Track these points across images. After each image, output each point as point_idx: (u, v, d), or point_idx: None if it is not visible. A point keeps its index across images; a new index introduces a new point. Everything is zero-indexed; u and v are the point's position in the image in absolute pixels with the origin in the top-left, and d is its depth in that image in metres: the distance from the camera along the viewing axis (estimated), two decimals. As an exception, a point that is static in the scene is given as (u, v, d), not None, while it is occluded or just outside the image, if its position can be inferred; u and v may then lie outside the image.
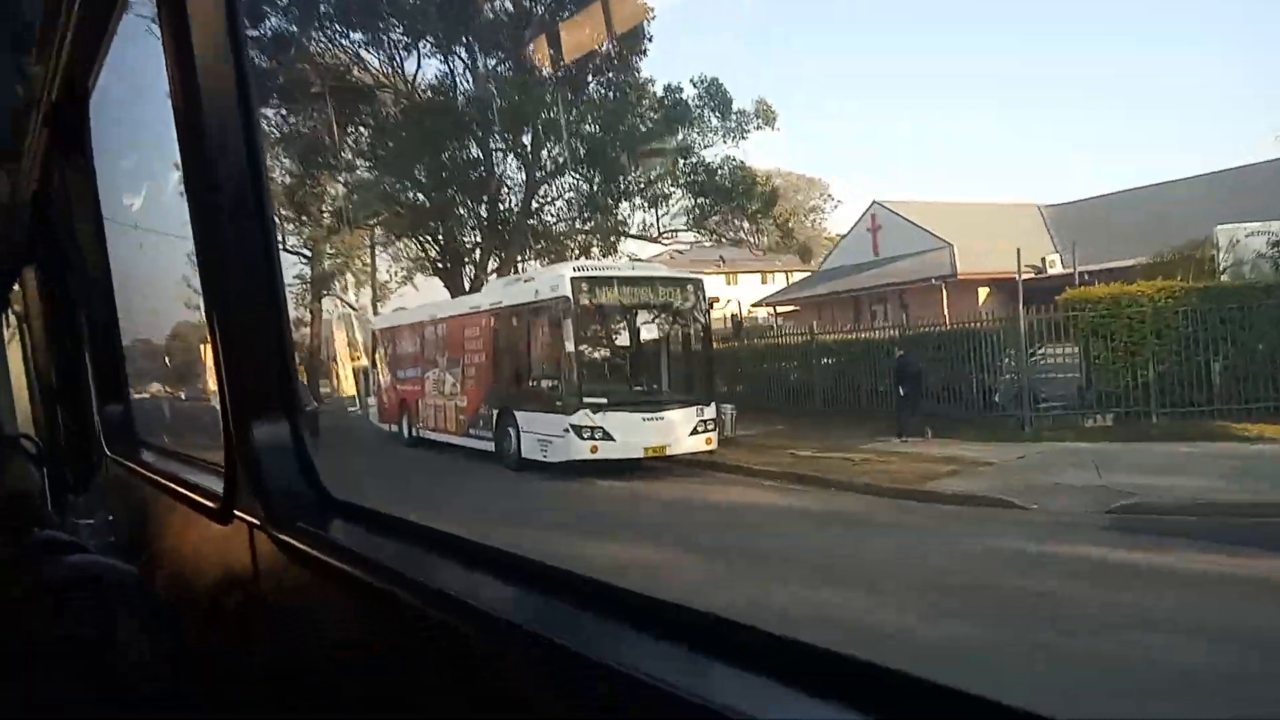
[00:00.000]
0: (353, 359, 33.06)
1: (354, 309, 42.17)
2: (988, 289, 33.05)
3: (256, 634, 2.28)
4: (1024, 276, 33.53)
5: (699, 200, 32.03)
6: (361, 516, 2.07)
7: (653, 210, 33.10)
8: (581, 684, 1.13)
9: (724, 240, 32.98)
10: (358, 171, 32.46)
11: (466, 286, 32.70)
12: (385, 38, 30.59)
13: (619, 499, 14.71)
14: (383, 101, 31.65)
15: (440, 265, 34.16)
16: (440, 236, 32.84)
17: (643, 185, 32.07)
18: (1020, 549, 10.18)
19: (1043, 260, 33.26)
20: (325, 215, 33.14)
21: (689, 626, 1.13)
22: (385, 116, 31.77)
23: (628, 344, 16.72)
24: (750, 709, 0.94)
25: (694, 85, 30.97)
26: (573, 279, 15.73)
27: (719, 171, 31.24)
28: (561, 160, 32.28)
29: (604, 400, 15.63)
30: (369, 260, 39.58)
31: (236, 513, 2.25)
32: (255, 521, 2.11)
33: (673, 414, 16.09)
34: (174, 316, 11.22)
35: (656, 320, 16.33)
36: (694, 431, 16.17)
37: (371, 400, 24.78)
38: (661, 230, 32.75)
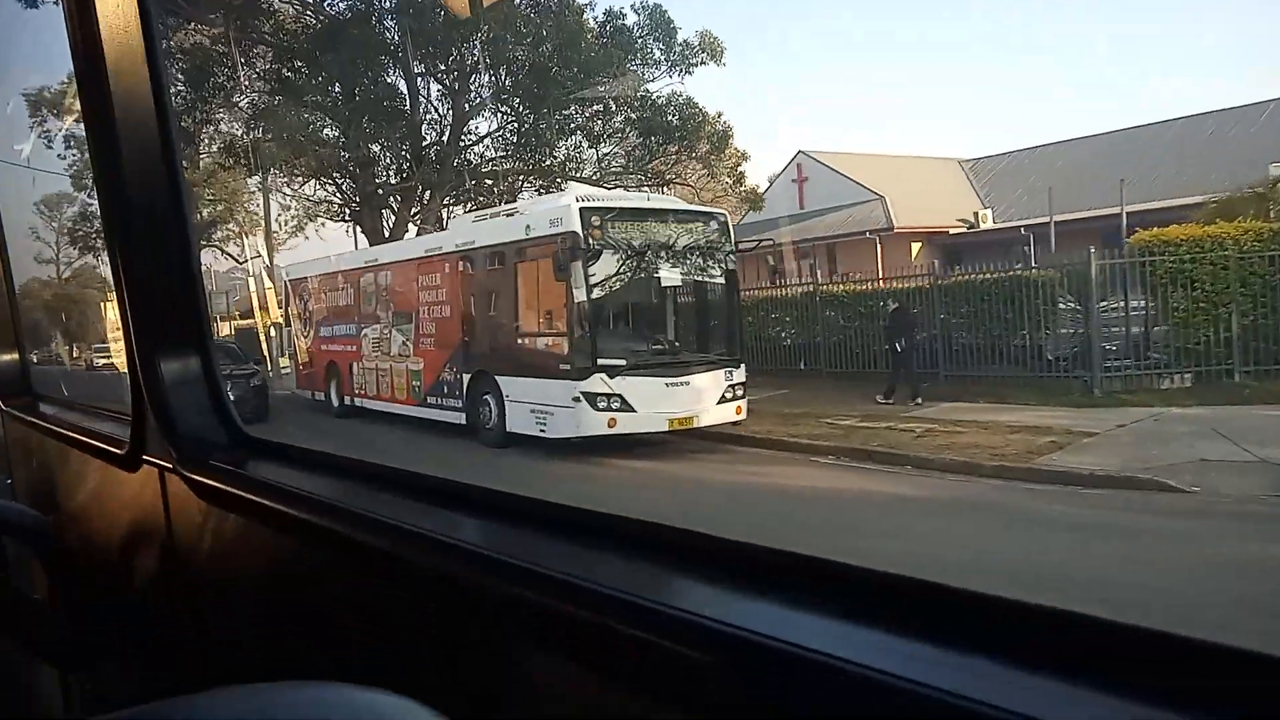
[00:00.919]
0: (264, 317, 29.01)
1: (236, 260, 37.75)
2: (920, 243, 31.88)
3: (173, 579, 2.13)
4: (955, 230, 32.65)
5: (648, 139, 28.76)
6: (277, 452, 2.03)
7: (593, 149, 29.92)
8: (533, 600, 1.06)
9: (670, 184, 29.95)
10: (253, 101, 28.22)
11: (385, 233, 29.05)
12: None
13: (655, 485, 11.39)
14: (286, 17, 27.49)
15: (351, 209, 30.20)
16: (355, 177, 28.85)
17: (585, 120, 28.75)
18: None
19: (975, 215, 32.23)
20: (204, 154, 28.69)
21: (656, 542, 1.10)
22: (291, 35, 27.62)
23: (647, 292, 13.39)
24: (713, 613, 0.89)
25: (635, 12, 27.82)
26: (582, 210, 12.34)
27: (666, 108, 28.11)
28: (494, 90, 28.80)
29: (622, 362, 12.35)
30: (259, 205, 35.16)
31: (146, 458, 2.16)
32: (167, 465, 2.04)
33: (700, 378, 12.89)
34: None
35: (679, 263, 13.10)
36: (723, 399, 13.03)
37: (286, 363, 20.78)
38: (604, 171, 29.37)
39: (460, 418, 14.49)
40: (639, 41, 27.86)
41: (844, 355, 19.25)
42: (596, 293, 12.27)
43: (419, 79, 27.84)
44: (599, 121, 28.72)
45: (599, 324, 12.43)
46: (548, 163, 29.16)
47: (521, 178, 28.93)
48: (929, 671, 0.72)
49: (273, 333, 25.16)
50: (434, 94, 28.83)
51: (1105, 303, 16.11)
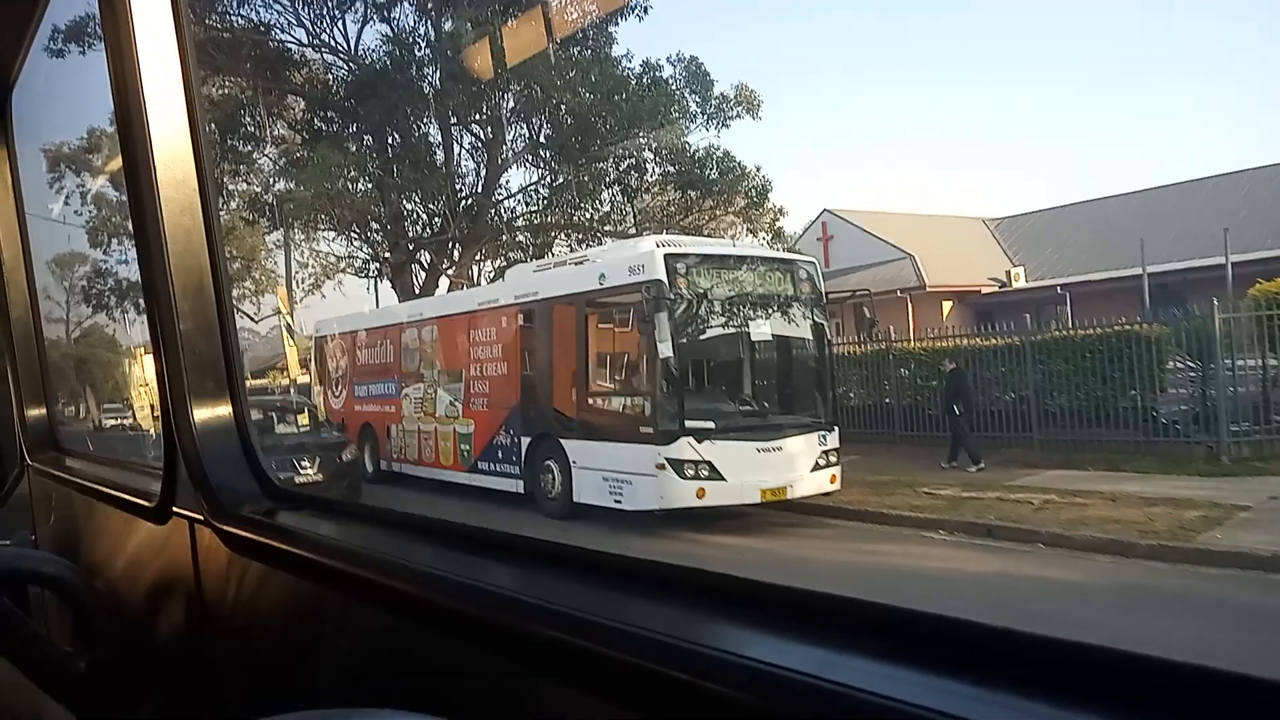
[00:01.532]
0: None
1: (251, 319, 36.40)
2: (951, 302, 30.92)
3: (201, 629, 2.10)
4: (987, 290, 31.52)
5: (685, 193, 27.57)
6: (307, 503, 2.04)
7: (629, 204, 28.75)
8: (566, 641, 1.05)
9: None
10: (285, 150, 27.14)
11: (415, 289, 27.77)
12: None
13: (759, 566, 9.84)
14: (318, 66, 26.54)
15: (380, 264, 28.94)
16: (386, 231, 27.63)
17: (620, 174, 27.59)
18: None
19: (1007, 274, 31.22)
20: (223, 209, 27.52)
21: (689, 585, 1.10)
22: (323, 85, 26.65)
23: (734, 347, 11.98)
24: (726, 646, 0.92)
25: (671, 64, 26.78)
26: (667, 257, 11.00)
27: (705, 161, 26.97)
28: (529, 142, 27.70)
29: (710, 424, 10.90)
30: (275, 262, 33.88)
31: (176, 509, 2.16)
32: (197, 516, 2.04)
33: (793, 442, 11.44)
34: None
35: (768, 314, 11.70)
36: (816, 466, 11.57)
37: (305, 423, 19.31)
38: (640, 226, 28.12)
39: (517, 485, 13.03)
40: (676, 94, 26.71)
41: (918, 418, 17.76)
42: (682, 347, 10.86)
43: (453, 129, 26.78)
44: (634, 175, 27.57)
45: (685, 382, 10.97)
46: (581, 217, 28.05)
47: (557, 233, 27.72)
48: (971, 708, 0.72)
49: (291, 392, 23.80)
50: (467, 146, 27.79)
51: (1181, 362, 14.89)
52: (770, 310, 11.70)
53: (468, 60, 24.31)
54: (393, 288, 27.44)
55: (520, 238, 28.13)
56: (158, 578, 2.41)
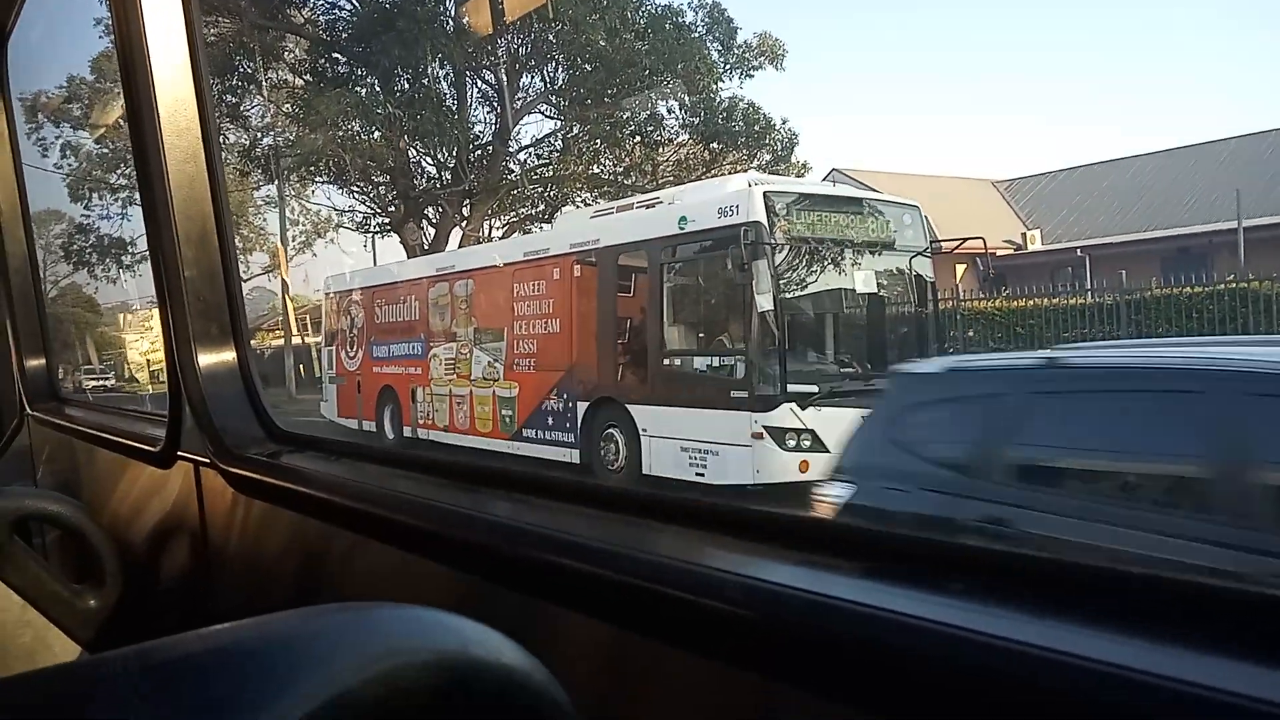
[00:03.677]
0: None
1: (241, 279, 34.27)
2: (965, 265, 29.62)
3: (208, 569, 2.10)
4: (1002, 252, 30.11)
5: (709, 145, 25.77)
6: (312, 445, 2.01)
7: (649, 157, 26.89)
8: (568, 566, 1.05)
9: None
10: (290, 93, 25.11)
11: (425, 245, 25.91)
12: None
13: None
14: (322, 5, 24.47)
15: (385, 218, 27.04)
16: (394, 182, 25.70)
17: (642, 124, 25.70)
18: None
19: (1023, 236, 29.75)
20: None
21: (686, 512, 1.11)
22: (328, 26, 24.59)
23: (836, 301, 10.18)
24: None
25: (693, 10, 24.90)
26: (767, 195, 9.24)
27: (732, 112, 25.17)
28: (545, 90, 25.80)
29: (814, 388, 9.19)
30: (265, 218, 31.80)
31: (181, 453, 2.16)
32: (202, 459, 2.03)
33: None
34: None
35: (872, 264, 10.02)
36: None
37: (330, 387, 17.44)
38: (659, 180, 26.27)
39: (571, 454, 11.29)
40: (698, 40, 24.81)
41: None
42: (784, 300, 9.14)
43: (467, 74, 24.80)
44: (654, 127, 25.70)
45: (787, 340, 9.25)
46: (602, 169, 26.24)
47: (574, 185, 25.86)
48: (953, 615, 0.73)
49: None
50: (481, 91, 25.86)
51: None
52: (874, 259, 9.96)
53: (482, 2, 22.47)
54: (400, 243, 25.68)
55: (537, 190, 26.30)
56: (163, 520, 2.40)
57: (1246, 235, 19.99)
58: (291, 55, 24.87)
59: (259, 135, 24.82)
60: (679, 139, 26.27)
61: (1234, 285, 14.18)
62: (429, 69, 23.75)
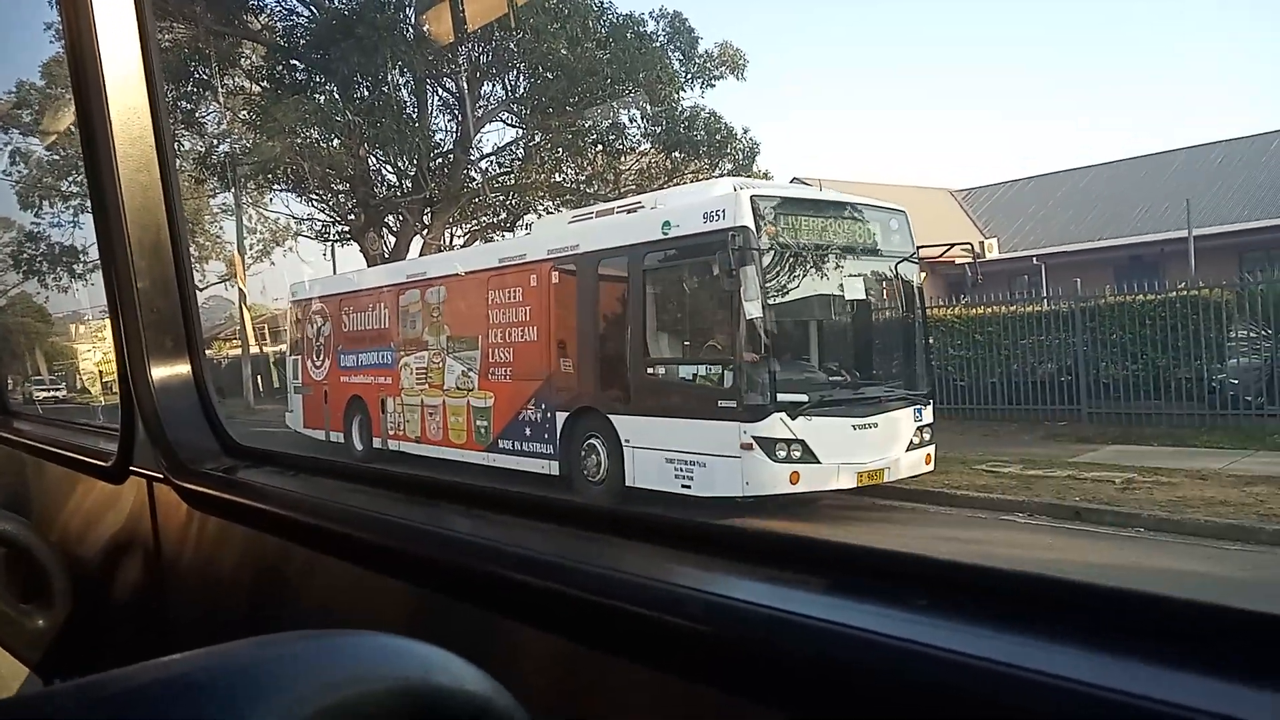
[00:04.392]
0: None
1: (197, 288, 33.37)
2: (925, 272, 29.70)
3: (161, 586, 2.04)
4: (960, 260, 30.25)
5: (670, 155, 25.53)
6: (267, 459, 1.94)
7: (612, 166, 26.58)
8: (527, 582, 1.04)
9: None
10: (246, 100, 24.41)
11: (385, 253, 25.35)
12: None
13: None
14: (281, 11, 23.82)
15: (344, 227, 26.42)
16: (353, 190, 25.09)
17: (604, 133, 25.38)
18: None
19: (980, 245, 29.89)
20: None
21: (648, 528, 1.10)
22: (286, 32, 23.94)
23: (824, 307, 9.86)
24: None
25: (654, 19, 24.68)
26: (755, 199, 8.91)
27: (693, 121, 24.96)
28: (506, 99, 25.38)
29: (803, 397, 8.89)
30: (222, 226, 30.95)
31: (133, 468, 2.10)
32: (156, 474, 1.98)
33: (889, 418, 9.48)
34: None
35: (859, 270, 9.74)
36: (911, 445, 9.68)
37: (296, 397, 16.82)
38: (622, 188, 25.96)
39: (549, 466, 10.91)
40: (659, 50, 24.56)
41: (951, 390, 16.03)
42: (772, 307, 8.85)
43: (427, 82, 24.33)
44: (616, 136, 25.41)
45: (775, 348, 8.95)
46: (565, 178, 25.89)
47: (536, 194, 25.45)
48: (915, 630, 0.72)
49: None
50: (442, 100, 25.40)
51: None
52: (862, 265, 9.71)
53: (443, 10, 22.03)
54: (360, 251, 25.09)
55: (499, 198, 25.89)
56: (115, 536, 2.31)
57: (1196, 244, 20.22)
58: (249, 61, 24.18)
59: (215, 142, 24.12)
60: (641, 147, 26.07)
61: (1185, 293, 14.26)
62: (389, 76, 23.25)
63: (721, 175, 24.30)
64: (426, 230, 25.53)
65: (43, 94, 19.10)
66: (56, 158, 20.80)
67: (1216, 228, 21.63)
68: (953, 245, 10.51)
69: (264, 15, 24.08)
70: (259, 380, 25.44)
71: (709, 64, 25.31)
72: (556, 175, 26.13)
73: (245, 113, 24.13)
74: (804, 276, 9.23)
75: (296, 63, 23.98)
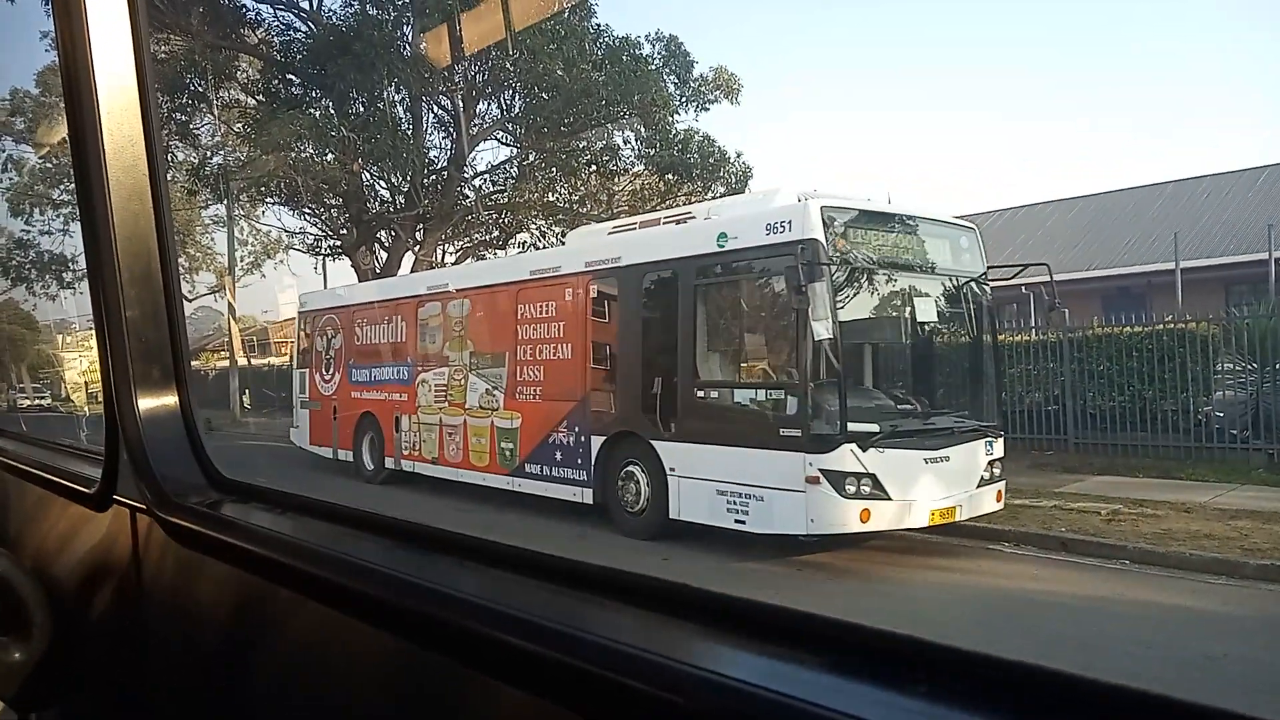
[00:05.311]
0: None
1: (186, 299, 32.18)
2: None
3: (140, 620, 1.96)
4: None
5: (664, 177, 24.87)
6: (254, 495, 1.87)
7: (604, 186, 25.89)
8: (511, 643, 0.99)
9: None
10: (242, 112, 23.37)
11: (377, 268, 24.38)
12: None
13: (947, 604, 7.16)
14: (278, 26, 22.82)
15: (337, 241, 25.42)
16: (347, 205, 24.13)
17: (598, 154, 24.68)
18: None
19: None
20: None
21: (641, 592, 1.03)
22: (283, 47, 22.93)
23: (895, 329, 8.98)
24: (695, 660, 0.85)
25: (650, 42, 24.06)
26: (825, 210, 8.05)
27: (687, 144, 24.33)
28: (500, 118, 24.57)
29: (874, 428, 8.06)
30: (213, 237, 29.81)
31: (117, 497, 2.02)
32: (139, 505, 1.90)
33: (961, 451, 8.62)
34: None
35: (931, 290, 8.89)
36: (982, 480, 8.82)
37: (303, 412, 15.69)
38: (614, 209, 25.25)
39: (582, 494, 10.00)
40: (655, 73, 23.94)
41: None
42: (842, 327, 8.02)
43: (423, 100, 23.49)
44: (610, 157, 24.75)
45: (843, 373, 8.09)
46: (558, 198, 25.12)
47: (530, 213, 24.63)
48: (888, 716, 0.70)
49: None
50: (437, 118, 24.58)
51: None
52: (933, 284, 8.91)
53: (441, 31, 21.27)
54: (352, 266, 24.09)
55: (492, 217, 25.08)
56: (96, 567, 2.22)
57: (1184, 276, 19.86)
58: (244, 75, 23.18)
59: (209, 154, 23.06)
60: (635, 169, 25.44)
61: (1172, 325, 13.91)
62: (385, 93, 22.43)
63: (715, 198, 23.67)
64: (419, 247, 24.71)
65: (37, 103, 18.06)
66: (49, 166, 19.74)
67: (1203, 260, 21.30)
68: (1025, 266, 9.72)
69: (261, 30, 23.13)
70: (246, 394, 24.25)
71: (704, 88, 24.86)
72: (550, 195, 25.42)
73: (240, 125, 23.10)
74: (873, 295, 8.44)
75: (292, 77, 23.08)
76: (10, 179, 22.13)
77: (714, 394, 8.89)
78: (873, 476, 7.88)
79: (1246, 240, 21.34)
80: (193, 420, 1.94)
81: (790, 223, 8.07)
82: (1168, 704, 0.63)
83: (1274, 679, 5.17)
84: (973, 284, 9.17)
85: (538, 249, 23.79)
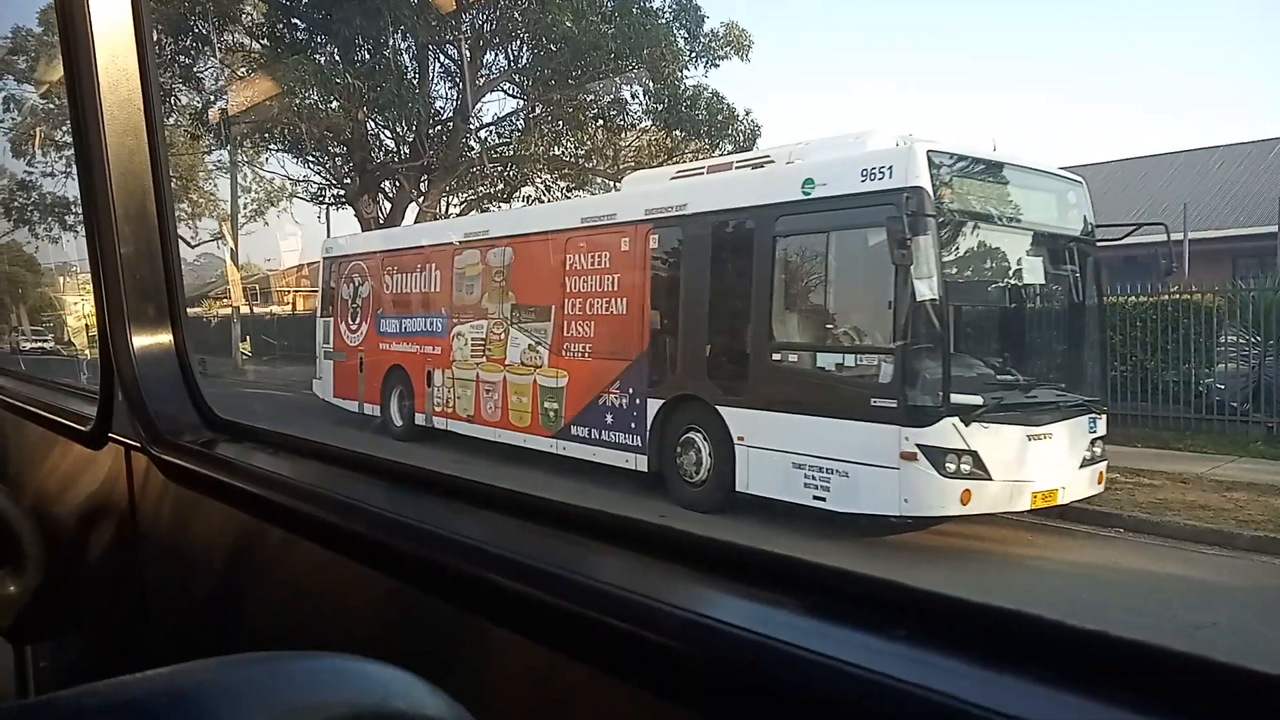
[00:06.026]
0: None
1: (188, 244, 30.82)
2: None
3: (135, 556, 1.91)
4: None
5: (671, 133, 23.98)
6: (248, 435, 1.82)
7: (610, 140, 24.92)
8: (508, 586, 0.96)
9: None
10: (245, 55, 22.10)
11: (380, 218, 23.34)
12: None
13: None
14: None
15: (340, 190, 24.35)
16: (351, 154, 23.05)
17: (605, 108, 23.69)
18: None
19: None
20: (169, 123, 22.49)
21: (638, 536, 1.01)
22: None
23: (999, 293, 8.08)
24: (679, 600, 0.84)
25: (658, -6, 22.99)
26: (931, 154, 7.15)
27: (695, 100, 23.39)
28: (507, 69, 23.49)
29: (977, 400, 7.24)
30: (216, 183, 28.57)
31: (112, 435, 1.97)
32: (134, 443, 1.86)
33: (1064, 427, 7.71)
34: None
35: (1040, 251, 7.94)
36: (1084, 461, 7.93)
37: (326, 363, 14.73)
38: (620, 165, 24.31)
39: (636, 461, 9.19)
40: (665, 27, 22.96)
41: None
42: (950, 287, 7.19)
43: (429, 49, 22.38)
44: (617, 111, 23.78)
45: (949, 339, 7.28)
46: (565, 151, 24.12)
47: (534, 166, 23.62)
48: (895, 665, 0.69)
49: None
50: (443, 67, 23.47)
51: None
52: (1041, 243, 8.00)
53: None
54: (355, 216, 23.07)
55: (497, 168, 24.10)
56: (91, 503, 2.19)
57: (1191, 248, 19.32)
58: (249, 18, 21.89)
59: (212, 99, 21.83)
60: (642, 125, 24.48)
61: (1177, 296, 13.39)
62: (390, 40, 21.34)
63: (722, 156, 22.78)
64: (423, 198, 23.70)
65: (39, 40, 16.87)
66: (51, 106, 18.59)
67: (1212, 232, 20.75)
68: (1139, 225, 8.92)
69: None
70: (248, 340, 23.25)
71: (714, 43, 23.89)
72: (556, 148, 24.41)
73: (244, 70, 21.87)
74: (978, 253, 7.62)
75: (298, 21, 21.85)
76: (12, 119, 20.92)
77: (792, 357, 8.07)
78: (974, 454, 7.12)
79: (1256, 212, 20.83)
80: (188, 359, 1.90)
81: (891, 168, 7.19)
82: (1145, 650, 0.61)
83: (1263, 648, 4.90)
84: (1080, 243, 8.30)
85: (541, 203, 22.88)
